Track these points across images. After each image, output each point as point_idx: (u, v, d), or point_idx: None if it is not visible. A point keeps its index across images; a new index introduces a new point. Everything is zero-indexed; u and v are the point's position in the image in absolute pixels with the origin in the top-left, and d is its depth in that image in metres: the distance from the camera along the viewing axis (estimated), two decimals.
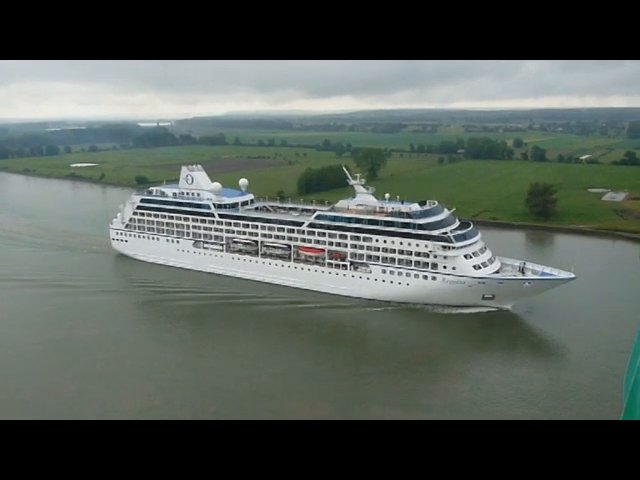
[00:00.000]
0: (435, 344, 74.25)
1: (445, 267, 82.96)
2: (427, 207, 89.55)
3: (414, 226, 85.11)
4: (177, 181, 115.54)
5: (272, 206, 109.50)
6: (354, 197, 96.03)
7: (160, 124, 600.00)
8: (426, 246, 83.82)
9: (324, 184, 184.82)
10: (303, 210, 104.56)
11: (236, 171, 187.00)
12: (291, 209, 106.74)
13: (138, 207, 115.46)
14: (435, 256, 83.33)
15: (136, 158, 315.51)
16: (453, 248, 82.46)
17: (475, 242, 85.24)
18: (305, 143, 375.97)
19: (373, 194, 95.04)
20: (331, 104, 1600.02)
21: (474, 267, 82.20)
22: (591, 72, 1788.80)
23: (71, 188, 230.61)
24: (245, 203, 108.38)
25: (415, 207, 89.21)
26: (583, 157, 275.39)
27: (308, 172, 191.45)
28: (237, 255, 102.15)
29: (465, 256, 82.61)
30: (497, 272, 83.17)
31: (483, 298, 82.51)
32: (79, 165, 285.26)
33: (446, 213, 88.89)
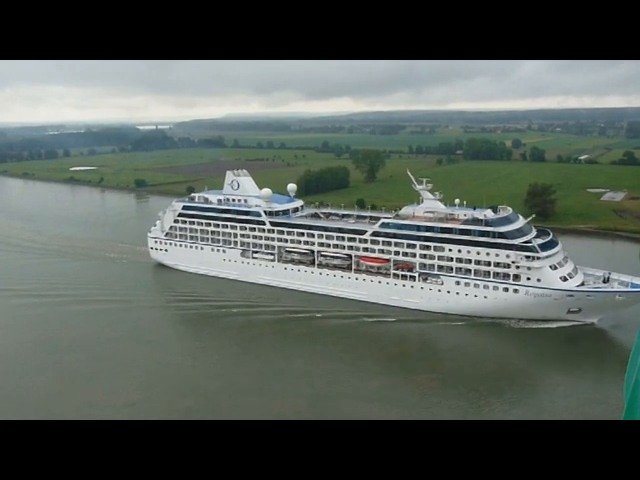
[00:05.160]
0: (524, 366, 68.97)
1: (529, 278, 77.04)
2: (503, 214, 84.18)
3: (493, 234, 79.27)
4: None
5: (323, 212, 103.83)
6: (419, 203, 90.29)
7: (159, 127, 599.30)
8: (507, 256, 77.93)
9: (323, 186, 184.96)
10: (358, 217, 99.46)
11: None
12: (344, 216, 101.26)
13: (180, 214, 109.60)
14: (517, 267, 77.44)
15: (135, 161, 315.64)
16: (538, 258, 76.61)
17: (558, 252, 79.41)
18: (304, 145, 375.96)
19: (440, 200, 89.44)
20: (329, 106, 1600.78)
21: (560, 278, 76.54)
22: (589, 72, 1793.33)
23: (73, 192, 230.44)
24: (296, 210, 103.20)
25: (489, 214, 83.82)
26: (582, 157, 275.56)
27: (307, 174, 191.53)
28: (290, 265, 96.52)
29: (550, 267, 76.99)
30: (582, 284, 77.43)
31: (568, 312, 76.68)
32: (78, 169, 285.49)
33: (522, 221, 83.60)
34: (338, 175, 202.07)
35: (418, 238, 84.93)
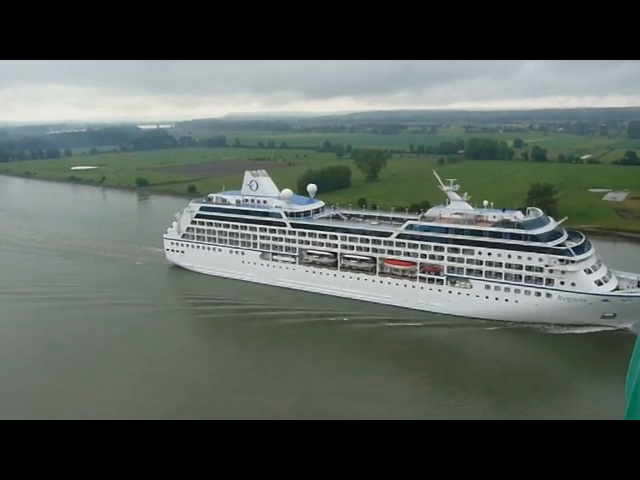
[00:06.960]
0: (555, 374, 67.28)
1: (562, 283, 75.23)
2: (534, 216, 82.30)
3: (526, 237, 77.49)
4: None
5: (344, 214, 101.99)
6: (447, 204, 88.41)
7: (160, 126, 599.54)
8: (540, 260, 76.14)
9: (325, 185, 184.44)
10: (381, 218, 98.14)
11: (238, 173, 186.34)
12: (366, 217, 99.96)
13: (197, 215, 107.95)
14: (551, 271, 75.69)
15: (136, 161, 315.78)
16: (572, 262, 74.84)
17: (592, 255, 77.58)
18: (305, 145, 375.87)
19: (468, 201, 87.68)
20: (330, 105, 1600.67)
21: (595, 283, 74.84)
22: (590, 72, 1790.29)
23: (75, 192, 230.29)
24: (317, 211, 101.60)
25: (519, 216, 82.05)
26: (583, 157, 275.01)
27: (308, 173, 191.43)
28: (312, 268, 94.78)
29: (585, 271, 75.10)
30: (617, 288, 75.60)
31: (602, 317, 74.86)
32: (79, 168, 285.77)
33: (554, 223, 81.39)
34: (339, 175, 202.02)
35: (446, 240, 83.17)
